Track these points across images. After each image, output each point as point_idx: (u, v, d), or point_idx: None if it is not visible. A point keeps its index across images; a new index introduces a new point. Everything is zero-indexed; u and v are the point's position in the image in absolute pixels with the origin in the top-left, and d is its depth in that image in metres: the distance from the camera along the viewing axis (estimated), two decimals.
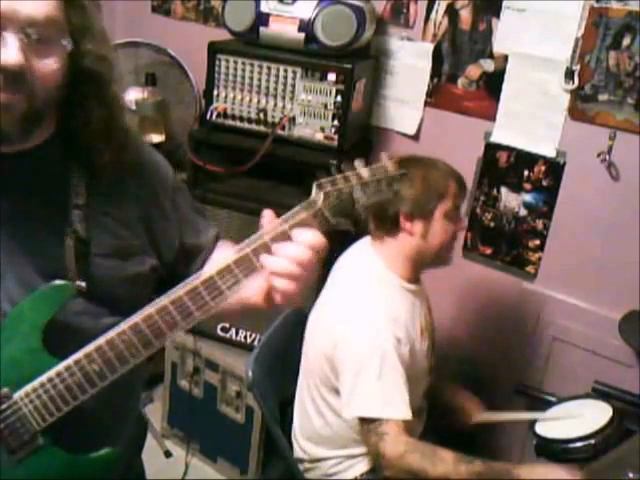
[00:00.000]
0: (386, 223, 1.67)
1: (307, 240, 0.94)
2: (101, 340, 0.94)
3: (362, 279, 1.70)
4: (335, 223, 0.97)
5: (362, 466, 1.70)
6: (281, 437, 1.77)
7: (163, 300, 0.94)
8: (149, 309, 0.94)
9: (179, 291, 0.94)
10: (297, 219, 0.95)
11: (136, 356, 0.95)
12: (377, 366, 1.54)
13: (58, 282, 0.97)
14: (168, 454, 2.55)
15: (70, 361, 0.95)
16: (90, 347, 0.94)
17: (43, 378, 0.95)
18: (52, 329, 0.97)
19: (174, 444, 2.59)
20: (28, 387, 0.95)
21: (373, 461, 1.64)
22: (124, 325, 0.94)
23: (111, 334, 0.94)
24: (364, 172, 0.98)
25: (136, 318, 0.94)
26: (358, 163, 0.99)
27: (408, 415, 1.54)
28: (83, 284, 0.98)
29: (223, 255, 0.97)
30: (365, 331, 1.58)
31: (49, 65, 0.91)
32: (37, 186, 0.98)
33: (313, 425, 1.74)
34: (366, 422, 1.55)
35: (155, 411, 2.60)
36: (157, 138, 2.57)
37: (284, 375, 1.85)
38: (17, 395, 0.95)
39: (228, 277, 0.94)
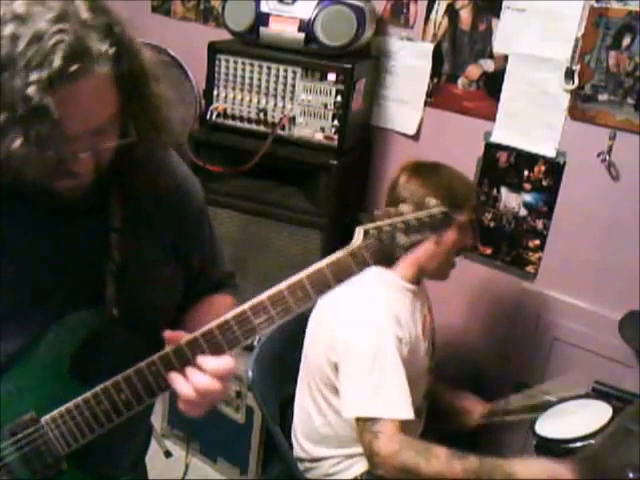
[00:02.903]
0: None
1: (213, 368, 0.92)
2: (130, 370, 0.94)
3: (363, 279, 1.68)
4: (373, 265, 0.94)
5: (362, 466, 1.70)
6: (281, 437, 1.77)
7: (194, 333, 0.93)
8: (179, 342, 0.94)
9: (211, 324, 0.93)
10: (334, 258, 0.93)
11: (164, 388, 0.95)
12: (378, 365, 1.54)
13: (89, 309, 0.97)
14: (168, 454, 2.55)
15: (98, 389, 0.94)
16: (119, 377, 0.94)
17: (70, 404, 0.95)
18: (81, 355, 0.97)
19: (174, 444, 2.59)
20: (55, 412, 0.95)
21: (367, 460, 1.64)
22: (155, 356, 0.93)
23: (141, 364, 0.93)
24: (408, 213, 0.95)
25: (167, 349, 0.93)
26: (403, 206, 0.96)
27: (410, 414, 1.54)
28: (115, 311, 0.98)
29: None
30: (366, 331, 1.58)
31: (111, 143, 0.90)
32: (75, 211, 0.97)
33: (314, 424, 1.74)
34: (362, 420, 1.55)
35: (155, 411, 2.56)
36: None
37: (284, 375, 1.85)
38: (44, 419, 0.96)
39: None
